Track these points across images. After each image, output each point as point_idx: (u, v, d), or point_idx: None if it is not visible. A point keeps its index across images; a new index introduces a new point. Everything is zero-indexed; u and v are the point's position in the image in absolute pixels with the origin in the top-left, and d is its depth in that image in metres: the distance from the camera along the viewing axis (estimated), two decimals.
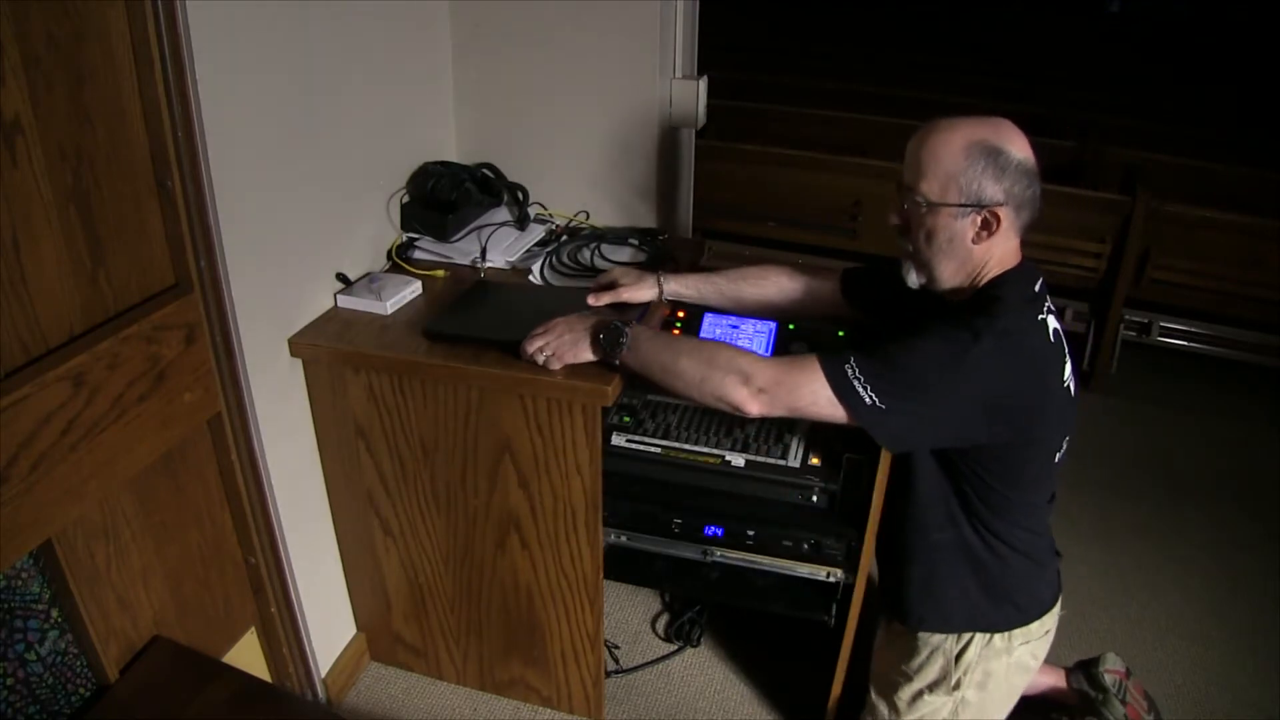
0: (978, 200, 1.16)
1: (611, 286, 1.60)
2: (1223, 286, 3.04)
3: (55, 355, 1.09)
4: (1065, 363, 1.23)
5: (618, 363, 1.34)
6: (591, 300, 1.58)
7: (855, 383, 1.15)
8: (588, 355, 1.37)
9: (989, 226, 1.17)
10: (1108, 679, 1.78)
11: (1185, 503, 2.63)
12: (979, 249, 1.20)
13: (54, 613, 1.19)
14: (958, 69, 4.95)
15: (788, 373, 1.19)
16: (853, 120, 3.85)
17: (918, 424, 1.18)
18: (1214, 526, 2.53)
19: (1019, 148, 1.16)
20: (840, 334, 1.76)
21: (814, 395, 1.17)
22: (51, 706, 1.20)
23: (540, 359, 1.39)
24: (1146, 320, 3.23)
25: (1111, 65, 5.44)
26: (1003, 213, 1.16)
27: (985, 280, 1.22)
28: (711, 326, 1.79)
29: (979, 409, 1.16)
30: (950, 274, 1.23)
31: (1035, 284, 1.24)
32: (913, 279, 1.27)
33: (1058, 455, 1.29)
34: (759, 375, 1.19)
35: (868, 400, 1.15)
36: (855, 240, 3.44)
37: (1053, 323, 1.22)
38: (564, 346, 1.38)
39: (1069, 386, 1.25)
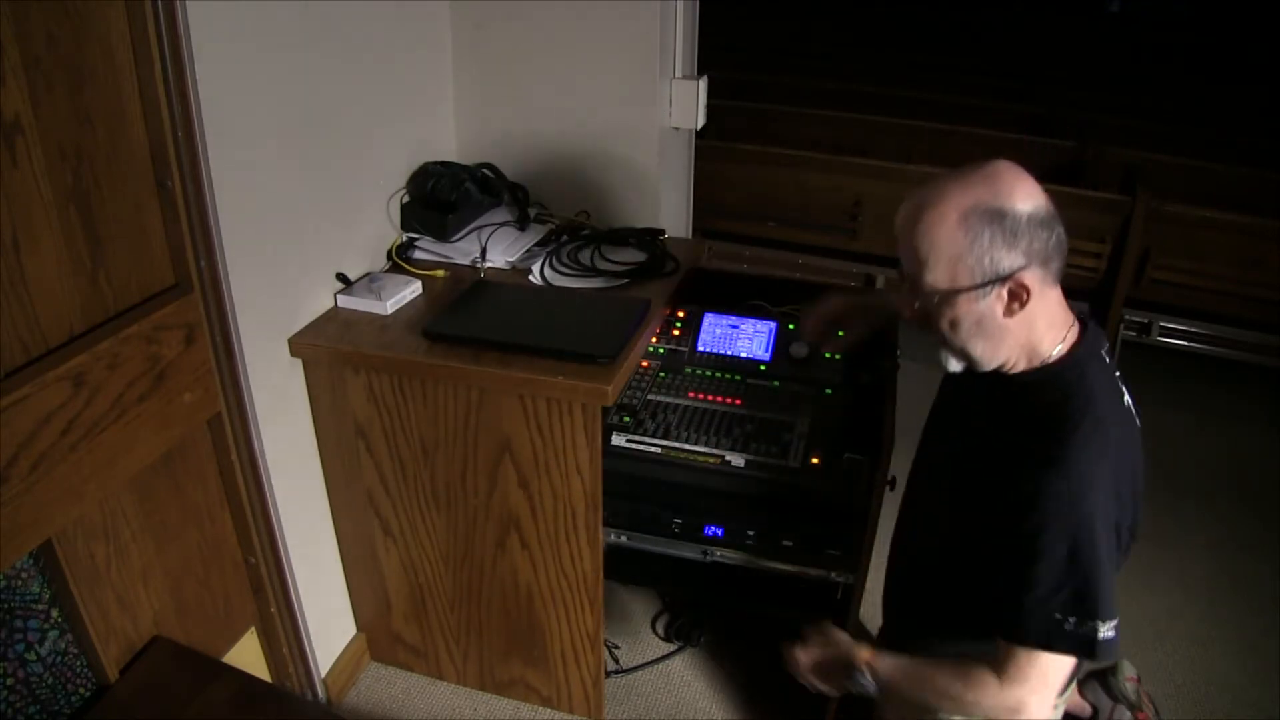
0: (996, 275, 1.00)
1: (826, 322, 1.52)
2: (1223, 286, 3.04)
3: (55, 355, 1.09)
4: (1138, 437, 1.11)
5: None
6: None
7: (1084, 629, 1.02)
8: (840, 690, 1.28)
9: (1018, 298, 1.01)
10: (1129, 687, 1.76)
11: (1185, 503, 2.63)
12: (1016, 321, 1.03)
13: (54, 613, 1.19)
14: (958, 69, 4.95)
15: (1029, 682, 1.05)
16: (853, 120, 3.85)
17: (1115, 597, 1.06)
18: (1214, 526, 2.53)
19: (1023, 196, 0.99)
20: (840, 333, 1.76)
21: (1061, 675, 1.05)
22: (51, 706, 1.20)
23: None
24: (1146, 320, 3.23)
25: (1111, 65, 5.43)
26: (1028, 277, 0.99)
27: (1048, 356, 1.07)
28: (711, 326, 1.80)
29: (1114, 533, 1.04)
30: (991, 353, 1.07)
31: (1104, 350, 1.10)
32: (952, 365, 1.12)
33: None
34: (1020, 705, 1.06)
35: (1106, 634, 1.04)
36: (855, 240, 3.44)
37: (1128, 398, 1.09)
38: (818, 681, 1.29)
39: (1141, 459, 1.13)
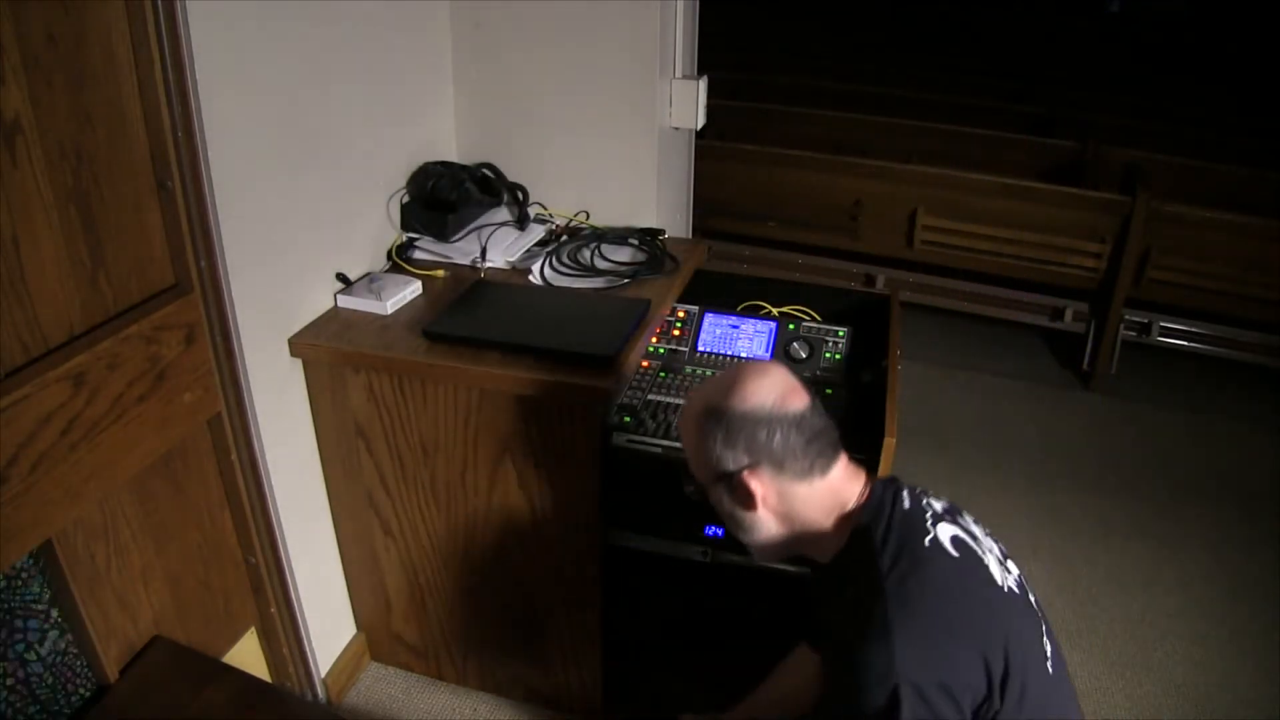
0: (720, 473, 1.04)
1: None
2: (1223, 286, 3.04)
3: (55, 355, 1.09)
4: (987, 564, 1.01)
5: None
6: None
7: None
8: None
9: (746, 497, 1.03)
10: None
11: (1185, 503, 2.63)
12: (768, 515, 1.05)
13: (54, 613, 1.19)
14: (958, 69, 4.95)
15: None
16: (853, 120, 3.86)
17: None
18: (1214, 526, 2.53)
19: (748, 395, 1.02)
20: (840, 333, 1.76)
21: None
22: (51, 706, 1.20)
23: None
24: (1146, 320, 3.23)
25: (1111, 65, 5.44)
26: (755, 477, 1.02)
27: (835, 533, 1.05)
28: (711, 326, 1.80)
29: (943, 697, 0.90)
30: (754, 543, 1.09)
31: (898, 504, 1.04)
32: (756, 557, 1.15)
33: (1048, 665, 1.00)
34: None
35: None
36: (855, 240, 3.44)
37: (949, 531, 1.01)
38: None
39: (1005, 586, 1.00)
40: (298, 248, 1.55)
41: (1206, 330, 3.21)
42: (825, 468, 1.04)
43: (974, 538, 1.04)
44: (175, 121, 1.18)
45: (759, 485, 1.03)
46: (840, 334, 1.75)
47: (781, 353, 1.75)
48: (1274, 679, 2.03)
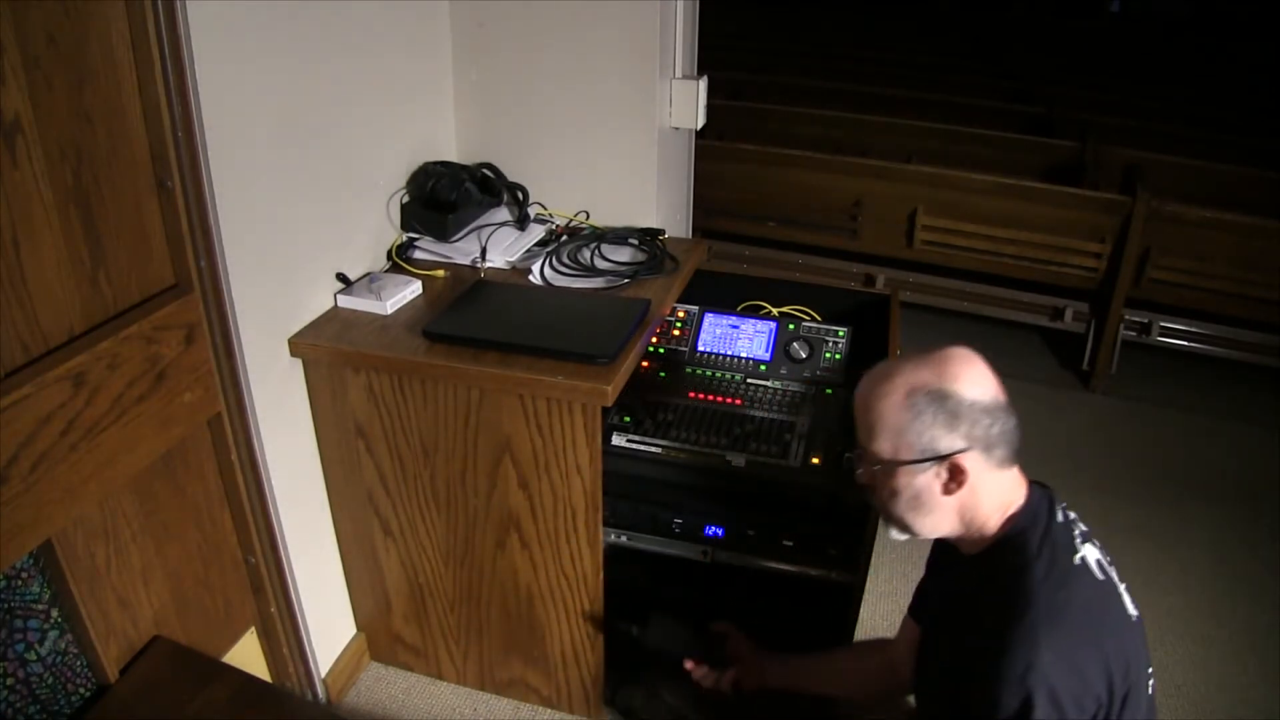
0: (935, 453, 1.05)
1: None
2: (1223, 286, 3.04)
3: (55, 355, 1.09)
4: (1121, 593, 1.09)
5: None
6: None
7: None
8: None
9: (955, 478, 1.06)
10: None
11: (1185, 503, 2.63)
12: (956, 500, 1.08)
13: (54, 613, 1.19)
14: (958, 69, 4.95)
15: None
16: (853, 120, 3.86)
17: None
18: (1214, 526, 2.53)
19: (970, 383, 1.05)
20: (840, 333, 1.76)
21: None
22: (51, 706, 1.20)
23: None
24: (1146, 320, 3.23)
25: (1111, 65, 5.44)
26: (967, 460, 1.04)
27: (996, 528, 1.10)
28: (711, 326, 1.80)
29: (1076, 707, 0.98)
30: (931, 527, 1.12)
31: (1054, 516, 1.11)
32: (893, 534, 1.17)
33: (1149, 690, 1.09)
34: None
35: None
36: (855, 240, 3.44)
37: (1093, 554, 1.09)
38: None
39: (1133, 615, 1.09)
40: (298, 248, 1.55)
41: (1206, 330, 3.20)
42: (1013, 462, 1.09)
43: (1111, 565, 1.11)
44: (175, 121, 1.18)
45: (972, 468, 1.06)
46: (840, 334, 1.75)
47: (781, 353, 1.75)
48: (1274, 679, 2.03)
